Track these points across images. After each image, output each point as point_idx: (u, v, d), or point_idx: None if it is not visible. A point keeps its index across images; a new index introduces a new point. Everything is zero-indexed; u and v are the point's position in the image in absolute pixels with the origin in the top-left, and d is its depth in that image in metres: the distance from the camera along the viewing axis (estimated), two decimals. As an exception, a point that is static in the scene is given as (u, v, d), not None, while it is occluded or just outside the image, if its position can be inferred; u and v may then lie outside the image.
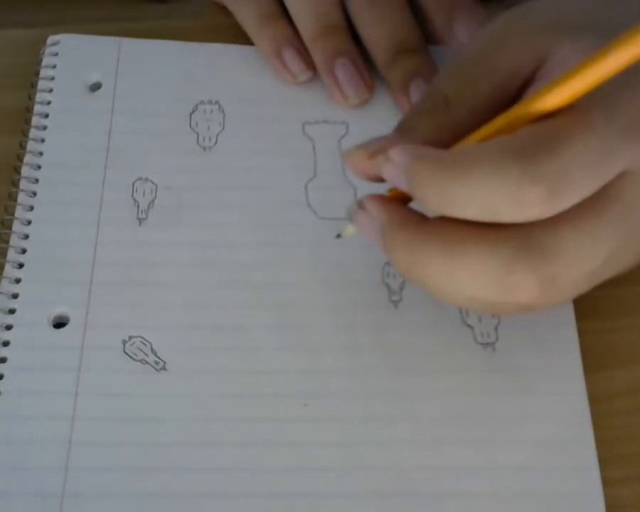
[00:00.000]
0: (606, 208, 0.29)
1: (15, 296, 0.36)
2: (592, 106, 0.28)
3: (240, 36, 0.44)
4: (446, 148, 0.30)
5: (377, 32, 0.42)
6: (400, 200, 0.31)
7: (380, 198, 0.31)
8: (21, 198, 0.39)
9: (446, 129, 0.31)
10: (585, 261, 0.29)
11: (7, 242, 0.38)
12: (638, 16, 0.31)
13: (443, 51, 0.43)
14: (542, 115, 0.28)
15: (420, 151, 0.29)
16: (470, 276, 0.29)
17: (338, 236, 0.35)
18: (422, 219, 0.30)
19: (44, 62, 0.43)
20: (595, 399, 0.34)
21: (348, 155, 0.32)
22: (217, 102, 0.42)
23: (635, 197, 0.29)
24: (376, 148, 0.31)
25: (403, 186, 0.30)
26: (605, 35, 0.27)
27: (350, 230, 0.34)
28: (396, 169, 0.29)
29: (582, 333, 0.36)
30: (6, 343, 0.35)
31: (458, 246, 0.29)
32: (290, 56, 0.42)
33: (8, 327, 0.35)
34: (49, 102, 0.42)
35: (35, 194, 0.39)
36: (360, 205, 0.31)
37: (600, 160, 0.28)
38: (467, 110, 0.31)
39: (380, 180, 0.31)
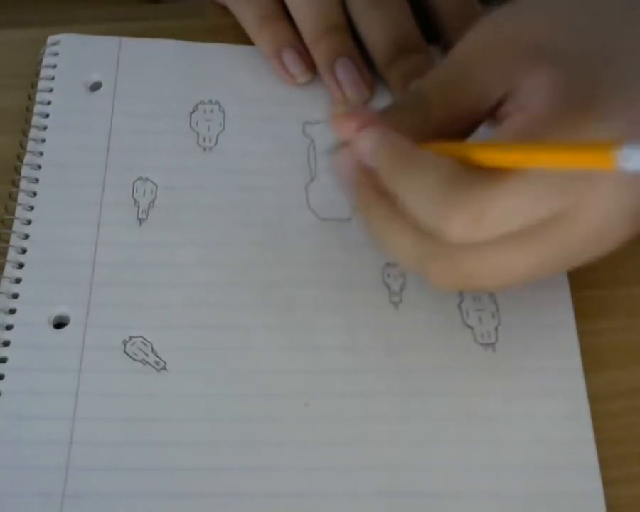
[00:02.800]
0: (532, 241, 0.30)
1: (15, 296, 0.36)
2: None
3: (240, 36, 0.44)
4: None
5: (377, 32, 0.42)
6: None
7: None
8: (21, 197, 0.39)
9: (419, 129, 0.33)
10: (499, 280, 0.32)
11: (7, 241, 0.38)
12: (612, 47, 0.32)
13: (444, 50, 0.43)
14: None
15: (388, 136, 0.32)
16: (398, 252, 0.33)
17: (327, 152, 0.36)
18: (380, 185, 0.33)
19: (44, 62, 0.43)
20: (595, 399, 0.34)
21: (332, 108, 0.35)
22: (217, 102, 0.42)
23: (568, 237, 0.30)
24: (353, 111, 0.34)
25: (369, 163, 0.33)
26: (578, 71, 0.30)
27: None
28: (366, 148, 0.32)
29: (582, 333, 0.36)
30: (6, 343, 0.35)
31: (394, 224, 0.32)
32: (290, 58, 0.42)
33: (9, 327, 0.35)
34: (49, 102, 0.42)
35: (35, 194, 0.39)
36: (339, 146, 0.34)
37: (527, 204, 0.29)
38: (444, 120, 0.33)
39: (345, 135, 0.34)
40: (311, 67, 0.42)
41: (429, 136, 0.32)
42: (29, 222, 0.38)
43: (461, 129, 0.33)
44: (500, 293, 0.37)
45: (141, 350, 0.35)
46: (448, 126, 0.33)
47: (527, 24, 0.33)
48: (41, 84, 0.42)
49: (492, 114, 0.33)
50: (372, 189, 0.33)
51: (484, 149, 0.30)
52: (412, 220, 0.31)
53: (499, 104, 0.33)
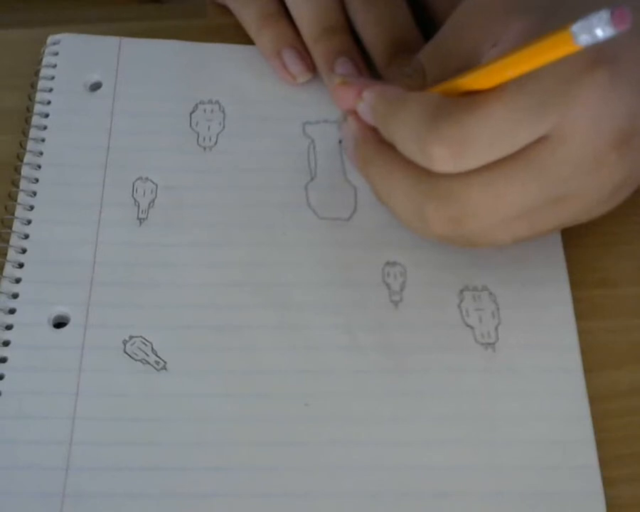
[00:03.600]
0: (516, 168, 0.31)
1: (15, 295, 0.36)
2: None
3: (240, 36, 0.44)
4: None
5: (376, 32, 0.42)
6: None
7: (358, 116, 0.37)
8: (21, 197, 0.39)
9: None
10: (489, 212, 0.32)
11: (7, 241, 0.38)
12: None
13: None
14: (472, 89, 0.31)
15: (383, 88, 0.35)
16: (398, 201, 0.34)
17: (340, 141, 0.40)
18: (380, 139, 0.35)
19: (44, 62, 0.43)
20: (595, 399, 0.34)
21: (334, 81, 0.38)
22: (217, 102, 0.42)
23: (551, 161, 0.31)
24: (351, 80, 0.38)
25: (369, 119, 0.36)
26: (549, 16, 0.31)
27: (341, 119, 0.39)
28: (366, 106, 0.36)
29: (582, 333, 0.36)
30: (6, 343, 0.35)
31: (393, 171, 0.34)
32: (290, 57, 0.42)
33: (9, 327, 0.35)
34: (49, 102, 0.42)
35: (35, 194, 0.39)
36: (344, 118, 0.38)
37: (507, 129, 0.30)
38: (437, 80, 0.34)
39: (347, 106, 0.37)
40: (311, 66, 0.42)
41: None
42: (29, 222, 0.38)
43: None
44: (500, 287, 0.37)
45: (141, 350, 0.35)
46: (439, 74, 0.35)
47: None
48: (41, 84, 0.42)
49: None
50: (371, 144, 0.35)
51: (462, 78, 0.31)
52: (407, 165, 0.33)
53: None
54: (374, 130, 0.36)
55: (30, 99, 0.42)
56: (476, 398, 0.34)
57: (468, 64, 0.34)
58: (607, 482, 0.33)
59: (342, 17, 0.42)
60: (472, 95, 0.31)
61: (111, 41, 0.44)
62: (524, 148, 0.31)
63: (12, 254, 0.37)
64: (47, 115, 0.41)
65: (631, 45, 0.32)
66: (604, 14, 0.25)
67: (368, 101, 0.35)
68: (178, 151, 0.41)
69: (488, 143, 0.30)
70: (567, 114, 0.31)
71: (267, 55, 0.43)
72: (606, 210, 0.34)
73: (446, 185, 0.32)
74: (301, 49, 0.42)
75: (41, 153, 0.40)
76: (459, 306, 0.36)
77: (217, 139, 0.41)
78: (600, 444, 0.33)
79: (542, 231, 0.34)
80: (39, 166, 0.40)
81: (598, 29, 0.25)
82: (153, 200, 0.39)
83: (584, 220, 0.35)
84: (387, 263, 0.37)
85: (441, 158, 0.31)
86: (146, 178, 0.40)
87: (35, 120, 0.41)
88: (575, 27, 0.26)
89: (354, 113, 0.37)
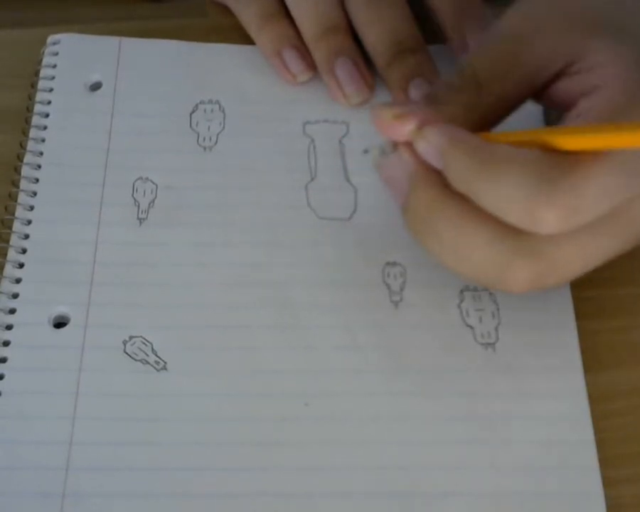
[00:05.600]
0: (619, 222, 0.31)
1: (15, 296, 0.36)
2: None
3: (240, 36, 0.44)
4: (473, 128, 0.32)
5: (376, 32, 0.42)
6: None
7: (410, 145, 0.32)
8: (21, 197, 0.39)
9: (475, 111, 0.32)
10: (576, 267, 0.31)
11: (7, 241, 0.38)
12: None
13: (443, 50, 0.43)
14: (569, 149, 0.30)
15: (456, 135, 0.31)
16: (472, 257, 0.31)
17: (366, 151, 0.35)
18: (445, 182, 0.31)
19: (44, 61, 0.43)
20: (595, 399, 0.34)
21: (375, 111, 0.33)
22: (217, 102, 0.42)
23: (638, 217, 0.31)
24: (403, 111, 0.32)
25: (435, 163, 0.31)
26: (627, 37, 0.30)
27: (376, 151, 0.34)
28: (431, 148, 0.31)
29: (582, 333, 0.36)
30: (6, 343, 0.35)
31: (469, 223, 0.31)
32: (290, 56, 0.42)
33: (9, 327, 0.35)
34: (49, 102, 0.42)
35: (35, 194, 0.39)
36: (388, 151, 0.33)
37: (618, 193, 0.29)
38: (496, 98, 0.32)
39: (399, 138, 0.32)
40: (312, 66, 0.42)
41: (481, 117, 0.32)
42: (29, 222, 0.38)
43: (510, 106, 0.32)
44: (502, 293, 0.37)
45: (141, 350, 0.35)
46: (500, 104, 0.32)
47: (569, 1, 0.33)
48: (41, 84, 0.42)
49: (543, 89, 0.33)
50: (436, 190, 0.31)
51: (568, 135, 0.30)
52: (487, 219, 0.30)
53: (555, 77, 0.33)
54: (437, 172, 0.31)
55: (31, 99, 0.42)
56: (476, 398, 0.34)
57: (533, 80, 0.32)
58: (607, 482, 0.32)
59: (342, 17, 0.42)
60: (574, 159, 0.29)
61: (111, 41, 0.44)
62: (627, 201, 0.30)
63: (12, 254, 0.37)
64: (47, 115, 0.41)
65: None
66: None
67: (434, 143, 0.31)
68: (178, 151, 0.41)
69: (597, 206, 0.29)
70: None
71: (267, 55, 0.43)
72: None
73: (536, 242, 0.30)
74: (301, 48, 0.42)
75: (41, 153, 0.40)
76: (459, 306, 0.36)
77: (217, 139, 0.41)
78: (600, 444, 0.33)
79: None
80: (39, 166, 0.40)
81: None
82: (153, 200, 0.39)
83: None
84: (387, 263, 0.37)
85: (551, 222, 0.29)
86: (146, 178, 0.40)
87: (36, 120, 0.41)
88: None
89: (408, 146, 0.32)
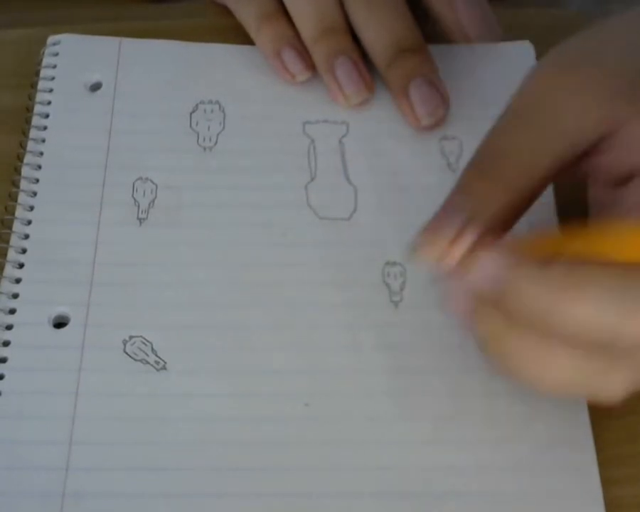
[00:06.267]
0: None
1: (15, 296, 0.36)
2: None
3: (240, 36, 0.44)
4: (507, 221, 0.30)
5: (376, 32, 0.42)
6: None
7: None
8: (21, 197, 0.39)
9: (509, 207, 0.30)
10: None
11: (7, 242, 0.37)
12: None
13: (444, 50, 0.43)
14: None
15: (517, 262, 0.28)
16: (553, 378, 0.29)
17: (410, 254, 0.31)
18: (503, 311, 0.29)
19: (44, 62, 0.43)
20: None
21: (417, 247, 0.30)
22: (217, 102, 0.42)
23: None
24: (447, 238, 0.29)
25: (494, 292, 0.28)
26: None
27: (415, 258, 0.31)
28: (488, 276, 0.28)
29: (582, 333, 0.36)
30: (6, 343, 0.35)
31: (541, 350, 0.28)
32: (289, 56, 0.42)
33: (9, 327, 0.35)
34: (49, 102, 0.42)
35: (35, 194, 0.39)
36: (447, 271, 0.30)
37: None
38: (518, 178, 0.30)
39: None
40: (311, 65, 0.42)
41: (506, 203, 0.29)
42: (29, 222, 0.38)
43: (536, 188, 0.29)
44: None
45: (141, 350, 0.35)
46: (523, 185, 0.29)
47: (604, 58, 0.29)
48: (41, 84, 0.42)
49: (575, 165, 0.30)
50: (498, 319, 0.29)
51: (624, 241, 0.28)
52: (563, 341, 0.28)
53: (587, 151, 0.30)
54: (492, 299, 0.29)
55: (31, 99, 0.42)
56: (476, 398, 0.34)
57: (562, 154, 0.29)
58: (606, 482, 0.32)
59: (341, 17, 0.42)
60: None
61: (111, 41, 0.44)
62: None
63: (12, 255, 0.37)
64: (47, 115, 0.41)
65: None
66: None
67: (493, 272, 0.28)
68: (178, 151, 0.41)
69: None
70: None
71: (266, 55, 0.43)
72: None
73: (630, 352, 0.28)
74: (300, 48, 0.42)
75: (41, 154, 0.40)
76: (459, 306, 0.36)
77: (217, 139, 0.41)
78: (600, 444, 0.33)
79: None
80: (39, 166, 0.40)
81: None
82: (153, 200, 0.39)
83: None
84: (387, 263, 0.37)
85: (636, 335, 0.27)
86: (146, 178, 0.40)
87: (36, 120, 0.41)
88: None
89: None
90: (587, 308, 0.27)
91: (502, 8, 0.44)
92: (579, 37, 0.30)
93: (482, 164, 0.30)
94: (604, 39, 0.30)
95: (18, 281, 0.37)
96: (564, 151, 0.30)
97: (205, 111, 0.42)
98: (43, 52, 0.43)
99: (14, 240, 0.38)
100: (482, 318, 0.29)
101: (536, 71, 0.31)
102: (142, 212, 0.39)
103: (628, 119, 0.29)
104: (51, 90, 0.42)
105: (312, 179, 0.40)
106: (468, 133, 0.40)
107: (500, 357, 0.30)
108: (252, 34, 0.43)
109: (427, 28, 0.42)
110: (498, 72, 0.42)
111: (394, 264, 0.38)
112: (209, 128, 0.41)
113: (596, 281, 0.27)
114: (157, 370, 0.35)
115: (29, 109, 0.41)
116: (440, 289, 0.30)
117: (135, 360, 0.35)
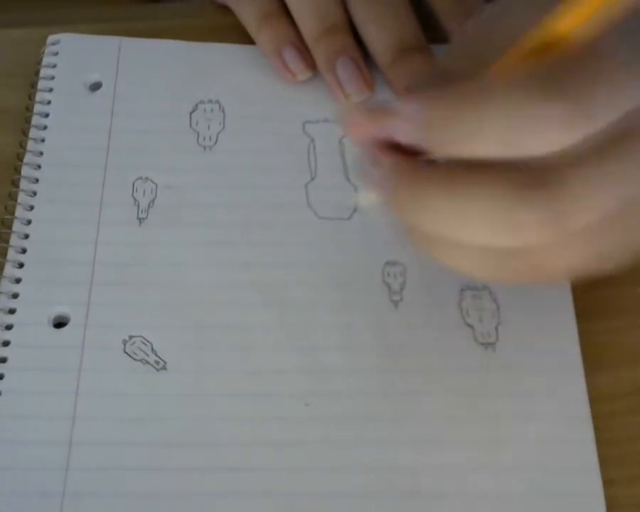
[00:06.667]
0: (628, 145, 0.27)
1: (15, 295, 0.36)
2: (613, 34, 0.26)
3: (240, 36, 0.44)
4: None
5: (377, 31, 0.42)
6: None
7: (387, 149, 0.29)
8: (21, 197, 0.39)
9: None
10: (595, 201, 0.27)
11: (7, 241, 0.38)
12: None
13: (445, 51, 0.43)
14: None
15: (431, 94, 0.27)
16: (476, 219, 0.27)
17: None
18: (427, 165, 0.28)
19: (44, 61, 0.43)
20: (595, 399, 0.34)
21: (343, 115, 0.30)
22: (217, 101, 0.42)
23: None
24: (377, 107, 0.28)
25: (415, 136, 0.27)
26: None
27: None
28: (407, 121, 0.27)
29: (582, 333, 0.36)
30: (6, 343, 0.35)
31: (463, 188, 0.27)
32: (290, 55, 0.42)
33: (9, 327, 0.35)
34: (49, 102, 0.42)
35: (35, 194, 0.39)
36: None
37: (626, 81, 0.26)
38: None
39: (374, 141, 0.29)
40: (312, 64, 0.42)
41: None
42: (29, 222, 0.38)
43: None
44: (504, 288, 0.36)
45: (141, 350, 0.35)
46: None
47: None
48: (41, 84, 0.42)
49: None
50: (415, 168, 0.28)
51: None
52: (481, 173, 0.27)
53: None
54: (408, 158, 0.28)
55: (31, 99, 0.42)
56: (476, 398, 0.34)
57: None
58: (608, 482, 0.33)
59: (343, 16, 0.42)
60: (572, 53, 0.26)
61: (111, 41, 0.44)
62: (632, 124, 0.26)
63: (12, 254, 0.37)
64: (47, 115, 0.41)
65: None
66: None
67: (410, 113, 0.27)
68: (178, 151, 0.41)
69: (611, 95, 0.26)
70: None
71: (267, 54, 0.43)
72: None
73: (541, 178, 0.26)
74: (301, 47, 0.42)
75: (41, 153, 0.40)
76: (459, 305, 0.36)
77: (217, 138, 0.41)
78: (600, 443, 0.33)
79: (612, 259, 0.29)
80: (39, 166, 0.40)
81: None
82: (153, 200, 0.39)
83: None
84: (387, 263, 0.37)
85: (558, 119, 0.25)
86: (146, 178, 0.40)
87: (36, 120, 0.41)
88: None
89: (383, 149, 0.29)
90: (499, 116, 0.26)
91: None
92: None
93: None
94: None
95: (18, 281, 0.37)
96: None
97: (205, 110, 0.42)
98: (43, 52, 0.43)
99: (14, 240, 0.38)
100: (399, 186, 0.28)
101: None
102: (142, 211, 0.39)
103: None
104: (51, 90, 0.42)
105: (312, 179, 0.40)
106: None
107: (420, 219, 0.28)
108: (253, 33, 0.43)
109: (428, 28, 0.42)
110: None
111: (394, 263, 0.38)
112: (209, 127, 0.41)
113: (503, 88, 0.26)
114: (157, 370, 0.35)
115: (29, 109, 0.41)
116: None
117: (135, 360, 0.35)
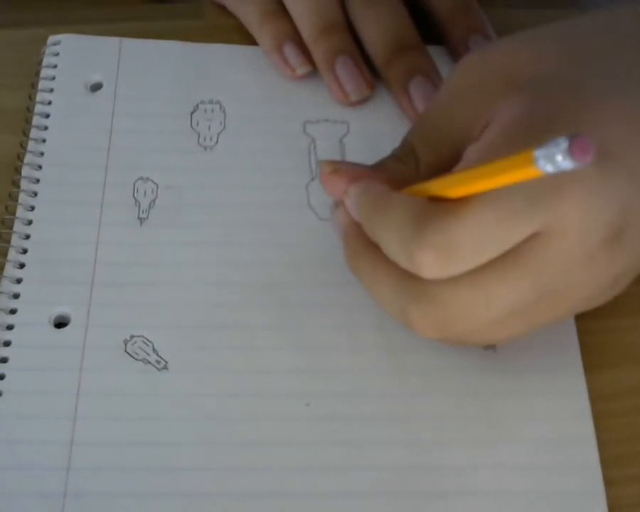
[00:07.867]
0: (506, 267, 0.30)
1: (16, 296, 0.36)
2: None
3: (239, 36, 0.44)
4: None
5: (374, 31, 0.42)
6: None
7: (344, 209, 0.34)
8: (22, 197, 0.39)
9: (412, 177, 0.33)
10: (479, 314, 0.31)
11: (8, 241, 0.38)
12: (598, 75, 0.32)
13: (442, 50, 0.43)
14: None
15: (367, 185, 0.33)
16: (384, 300, 0.33)
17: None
18: (367, 236, 0.33)
19: (45, 62, 0.43)
20: (596, 399, 0.34)
21: (321, 164, 0.35)
22: (218, 102, 0.42)
23: (541, 257, 0.29)
24: (341, 167, 0.34)
25: (355, 217, 0.33)
26: (538, 98, 0.30)
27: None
28: (350, 200, 0.33)
29: (582, 333, 0.36)
30: (7, 343, 0.35)
31: (378, 272, 0.32)
32: (290, 50, 0.42)
33: (10, 327, 0.35)
34: (50, 102, 0.42)
35: (36, 194, 0.39)
36: (335, 205, 0.35)
37: (496, 232, 0.29)
38: (430, 161, 0.34)
39: (336, 196, 0.35)
40: (311, 59, 0.42)
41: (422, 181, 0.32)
42: (30, 222, 0.38)
43: (451, 166, 0.32)
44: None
45: (142, 350, 0.35)
46: (437, 168, 0.33)
47: (510, 56, 0.33)
48: (42, 84, 0.42)
49: None
50: (358, 240, 0.33)
51: (438, 183, 0.30)
52: (394, 266, 0.31)
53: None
54: (360, 225, 0.33)
55: (31, 99, 0.42)
56: (476, 398, 0.34)
57: (461, 143, 0.32)
58: (609, 482, 0.32)
59: (341, 16, 0.42)
60: (450, 202, 0.29)
61: (111, 41, 0.44)
62: (514, 247, 0.29)
63: (13, 255, 0.37)
64: (48, 115, 0.41)
65: (621, 137, 0.30)
66: (562, 143, 0.22)
67: (353, 197, 0.33)
68: (178, 151, 0.41)
69: (476, 248, 0.29)
70: (557, 210, 0.29)
71: (267, 50, 0.43)
72: (611, 297, 0.33)
73: (433, 288, 0.30)
74: (301, 43, 0.42)
75: (42, 154, 0.40)
76: (459, 305, 0.36)
77: (217, 138, 0.41)
78: (601, 444, 0.33)
79: (539, 325, 0.32)
80: (40, 167, 0.40)
81: (559, 157, 0.22)
82: (153, 200, 0.39)
83: (586, 309, 0.33)
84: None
85: (428, 265, 0.29)
86: (147, 178, 0.40)
87: (36, 120, 0.41)
88: (538, 152, 0.23)
89: (343, 203, 0.34)
90: (388, 231, 0.31)
91: (512, 9, 0.45)
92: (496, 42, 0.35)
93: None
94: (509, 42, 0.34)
95: (18, 281, 0.37)
96: (460, 139, 0.33)
97: (205, 111, 0.42)
98: (43, 52, 0.43)
99: (15, 240, 0.38)
100: (347, 240, 0.34)
101: (449, 77, 0.35)
102: (143, 212, 0.39)
103: (496, 109, 0.32)
104: (52, 90, 0.42)
105: (313, 179, 0.40)
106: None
107: (354, 272, 0.34)
108: (255, 31, 0.43)
109: (425, 30, 0.42)
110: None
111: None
112: (209, 128, 0.41)
113: (402, 208, 0.30)
114: (158, 369, 0.35)
115: (29, 109, 0.41)
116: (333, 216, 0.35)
117: (136, 359, 0.35)
